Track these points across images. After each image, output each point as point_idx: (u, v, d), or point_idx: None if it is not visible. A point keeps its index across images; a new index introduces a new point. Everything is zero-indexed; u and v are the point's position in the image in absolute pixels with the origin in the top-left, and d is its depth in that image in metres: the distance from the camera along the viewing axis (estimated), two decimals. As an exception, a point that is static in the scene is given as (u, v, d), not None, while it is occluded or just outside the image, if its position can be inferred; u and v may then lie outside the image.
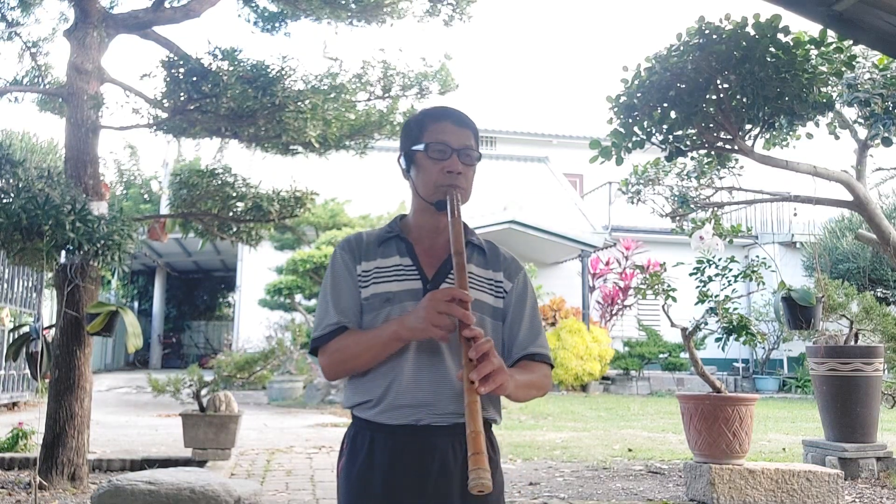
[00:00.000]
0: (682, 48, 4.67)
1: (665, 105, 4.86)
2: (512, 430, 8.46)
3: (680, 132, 5.03)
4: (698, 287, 5.33)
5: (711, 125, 5.04)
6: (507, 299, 1.69)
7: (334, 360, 1.61)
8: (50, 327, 5.31)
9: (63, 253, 4.63)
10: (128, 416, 9.74)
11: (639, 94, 4.88)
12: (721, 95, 4.82)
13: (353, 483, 1.60)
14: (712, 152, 5.48)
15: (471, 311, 1.47)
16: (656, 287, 5.34)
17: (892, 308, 11.27)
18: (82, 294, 5.00)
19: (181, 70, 4.93)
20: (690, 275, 5.37)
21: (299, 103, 5.08)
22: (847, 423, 5.50)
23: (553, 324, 14.54)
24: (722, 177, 6.41)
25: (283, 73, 5.00)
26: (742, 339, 5.10)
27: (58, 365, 4.98)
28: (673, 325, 5.22)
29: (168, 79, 4.97)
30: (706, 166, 6.21)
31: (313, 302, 12.97)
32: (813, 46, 4.57)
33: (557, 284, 16.00)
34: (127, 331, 5.01)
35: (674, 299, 5.29)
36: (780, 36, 4.48)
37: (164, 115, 5.29)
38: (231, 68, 4.84)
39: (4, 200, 4.25)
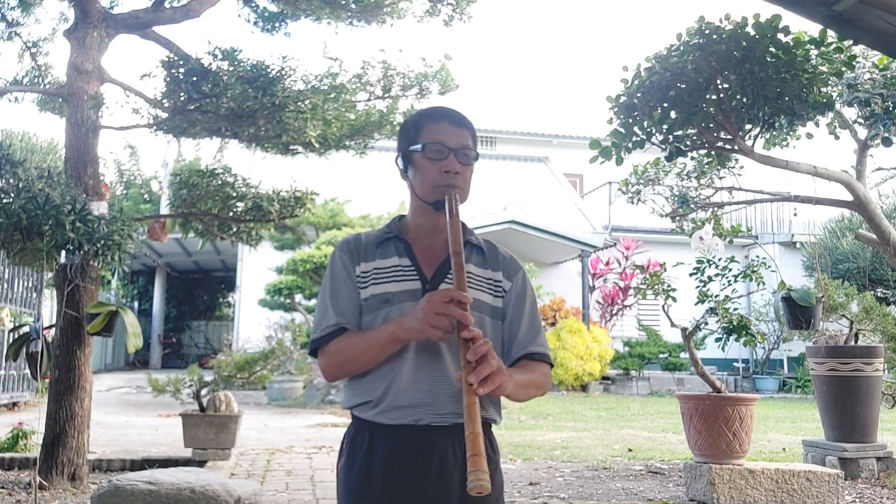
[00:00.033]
0: (682, 48, 4.67)
1: (665, 105, 4.86)
2: (512, 430, 8.46)
3: (680, 132, 5.03)
4: (698, 287, 5.33)
5: (711, 125, 5.03)
6: (507, 299, 1.69)
7: (334, 361, 1.61)
8: (50, 327, 5.31)
9: (63, 253, 4.63)
10: (128, 416, 9.74)
11: (639, 94, 4.88)
12: (721, 95, 4.81)
13: (353, 483, 1.60)
14: (712, 152, 5.48)
15: (470, 310, 1.47)
16: (656, 287, 5.34)
17: (892, 308, 11.25)
18: (82, 294, 5.00)
19: (181, 70, 4.93)
20: (690, 275, 5.37)
21: (299, 103, 5.08)
22: (847, 423, 5.51)
23: (553, 324, 14.54)
24: (722, 177, 6.41)
25: (283, 73, 5.00)
26: (742, 339, 5.10)
27: (58, 365, 4.98)
28: (673, 325, 5.22)
29: (168, 79, 4.97)
30: (706, 166, 6.21)
31: (313, 302, 12.96)
32: (813, 46, 4.57)
33: (557, 284, 16.00)
34: (127, 331, 5.01)
35: (674, 299, 5.30)
36: (780, 36, 4.48)
37: (164, 115, 5.29)
38: (231, 68, 4.84)
39: (4, 200, 4.25)
